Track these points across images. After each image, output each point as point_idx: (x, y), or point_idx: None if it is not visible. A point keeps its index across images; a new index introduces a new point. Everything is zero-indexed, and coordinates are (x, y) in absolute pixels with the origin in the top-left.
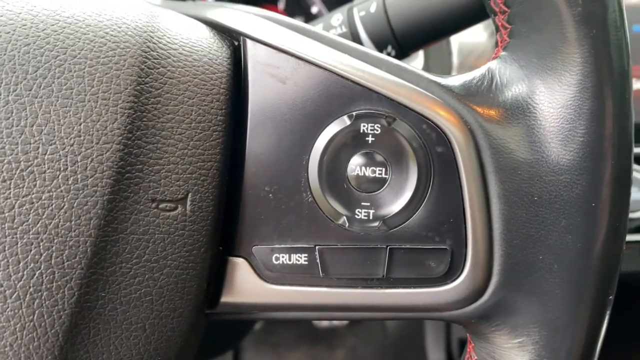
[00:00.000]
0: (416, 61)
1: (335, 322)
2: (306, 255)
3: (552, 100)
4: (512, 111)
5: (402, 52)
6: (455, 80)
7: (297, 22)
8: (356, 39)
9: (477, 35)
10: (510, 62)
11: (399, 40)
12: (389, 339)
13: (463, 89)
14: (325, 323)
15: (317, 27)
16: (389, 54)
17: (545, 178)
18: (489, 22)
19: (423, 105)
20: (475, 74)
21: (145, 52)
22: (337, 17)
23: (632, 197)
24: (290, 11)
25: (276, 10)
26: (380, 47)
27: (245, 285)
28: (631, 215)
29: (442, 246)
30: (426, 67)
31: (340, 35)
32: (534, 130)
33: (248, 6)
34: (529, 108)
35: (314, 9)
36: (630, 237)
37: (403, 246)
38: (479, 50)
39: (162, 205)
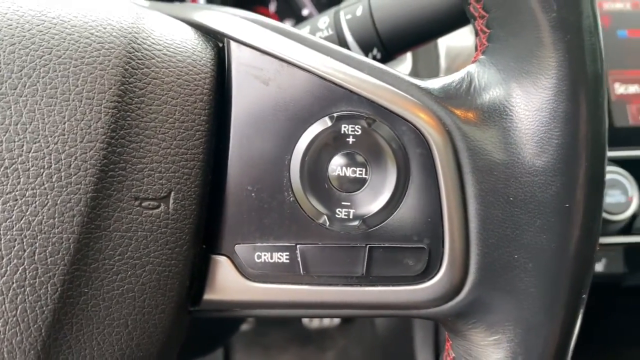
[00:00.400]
0: (404, 64)
1: (326, 323)
2: (288, 253)
3: (528, 103)
4: (489, 114)
5: (388, 55)
6: (434, 83)
7: (282, 24)
8: (342, 41)
9: (464, 39)
10: (488, 66)
11: (385, 43)
12: (379, 340)
13: (442, 92)
14: (315, 324)
15: (304, 30)
16: (374, 57)
17: (521, 179)
18: None
19: (402, 108)
20: (455, 77)
21: (130, 53)
22: (324, 20)
23: (616, 199)
24: (281, 13)
25: (267, 13)
26: (366, 50)
27: (228, 283)
28: (615, 217)
29: (420, 245)
30: (414, 70)
31: (327, 37)
32: (510, 133)
33: (234, 8)
34: (506, 111)
35: (305, 12)
36: (614, 239)
37: (382, 245)
38: (465, 54)
39: (144, 204)
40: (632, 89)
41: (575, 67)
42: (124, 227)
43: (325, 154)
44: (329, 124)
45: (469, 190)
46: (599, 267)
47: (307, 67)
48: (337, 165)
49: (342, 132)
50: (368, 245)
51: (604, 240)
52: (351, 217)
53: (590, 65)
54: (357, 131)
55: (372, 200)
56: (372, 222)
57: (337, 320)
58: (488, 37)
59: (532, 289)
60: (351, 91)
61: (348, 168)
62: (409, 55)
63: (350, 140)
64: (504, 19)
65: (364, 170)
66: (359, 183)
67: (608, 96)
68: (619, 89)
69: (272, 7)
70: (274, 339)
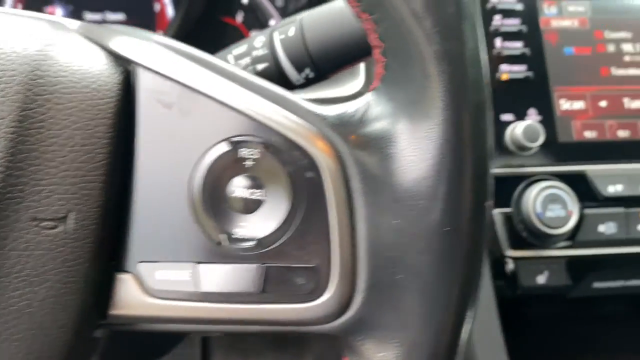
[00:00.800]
0: (358, 79)
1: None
2: (188, 271)
3: (414, 131)
4: (379, 140)
5: (320, 75)
6: (332, 110)
7: (193, 49)
8: (276, 60)
9: None
10: (382, 94)
11: (316, 63)
12: None
13: (337, 119)
14: None
15: (242, 47)
16: (307, 76)
17: (405, 203)
18: None
19: (296, 134)
20: (352, 104)
21: (33, 80)
22: (260, 39)
23: (556, 214)
24: (248, 24)
25: (234, 23)
26: (299, 69)
27: (131, 299)
28: (554, 231)
29: (310, 265)
30: (367, 83)
31: (262, 56)
32: (397, 159)
33: (153, 33)
34: (394, 138)
35: (272, 22)
36: (556, 253)
37: (276, 264)
38: None
39: (43, 224)
40: (578, 105)
41: (458, 97)
42: (22, 246)
43: (225, 177)
44: (228, 148)
45: (358, 213)
46: (541, 279)
47: (207, 92)
48: (236, 187)
49: (240, 156)
50: (263, 265)
51: (545, 253)
52: (248, 237)
53: (473, 94)
54: (254, 155)
55: (268, 222)
56: (267, 242)
57: None
58: (384, 66)
59: (416, 309)
60: (249, 117)
61: (245, 190)
62: (362, 69)
63: (248, 163)
64: (395, 49)
65: (260, 192)
66: (256, 204)
67: (553, 112)
68: (565, 105)
69: (239, 18)
70: (253, 344)
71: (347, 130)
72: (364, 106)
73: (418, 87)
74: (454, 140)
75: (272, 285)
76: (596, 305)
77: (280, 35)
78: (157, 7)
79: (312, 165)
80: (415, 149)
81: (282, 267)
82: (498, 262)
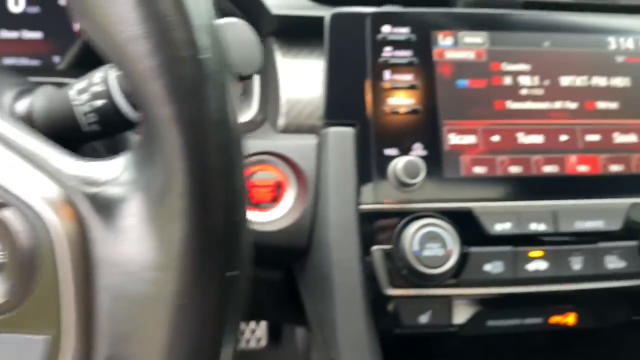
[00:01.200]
0: (251, 110)
1: (252, 345)
2: None
3: (150, 199)
4: (120, 206)
5: None
6: (82, 169)
7: None
8: (111, 97)
9: (310, 90)
10: (134, 155)
11: None
12: None
13: (83, 180)
14: (242, 346)
15: (82, 83)
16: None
17: (140, 275)
18: None
19: (33, 194)
20: (106, 164)
21: None
22: (99, 75)
23: (434, 252)
24: None
25: None
26: (135, 107)
27: None
28: (432, 271)
29: (46, 335)
30: (261, 111)
31: (100, 92)
32: (134, 227)
33: None
34: (132, 204)
35: None
36: (438, 292)
37: (8, 333)
38: (315, 104)
39: None
40: (468, 139)
41: (197, 163)
42: None
43: None
44: None
45: (95, 283)
46: (423, 318)
47: None
48: None
49: None
50: None
51: (428, 292)
52: None
53: (217, 160)
54: None
55: (4, 287)
56: (2, 310)
57: (263, 343)
58: (142, 123)
59: None
60: None
61: None
62: (255, 97)
63: None
64: (144, 110)
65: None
66: None
67: (441, 147)
68: (454, 139)
69: None
70: None
71: (92, 193)
72: (115, 167)
73: (157, 150)
74: (189, 210)
75: (4, 356)
76: (516, 336)
77: (116, 72)
78: (77, 26)
79: (49, 230)
80: (153, 217)
81: (16, 336)
82: (378, 301)
